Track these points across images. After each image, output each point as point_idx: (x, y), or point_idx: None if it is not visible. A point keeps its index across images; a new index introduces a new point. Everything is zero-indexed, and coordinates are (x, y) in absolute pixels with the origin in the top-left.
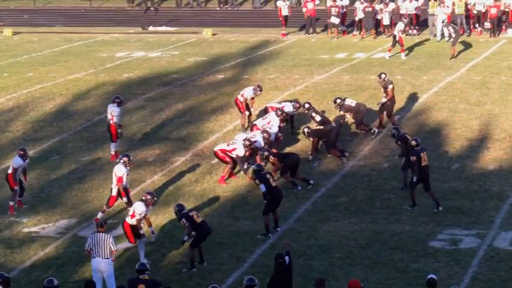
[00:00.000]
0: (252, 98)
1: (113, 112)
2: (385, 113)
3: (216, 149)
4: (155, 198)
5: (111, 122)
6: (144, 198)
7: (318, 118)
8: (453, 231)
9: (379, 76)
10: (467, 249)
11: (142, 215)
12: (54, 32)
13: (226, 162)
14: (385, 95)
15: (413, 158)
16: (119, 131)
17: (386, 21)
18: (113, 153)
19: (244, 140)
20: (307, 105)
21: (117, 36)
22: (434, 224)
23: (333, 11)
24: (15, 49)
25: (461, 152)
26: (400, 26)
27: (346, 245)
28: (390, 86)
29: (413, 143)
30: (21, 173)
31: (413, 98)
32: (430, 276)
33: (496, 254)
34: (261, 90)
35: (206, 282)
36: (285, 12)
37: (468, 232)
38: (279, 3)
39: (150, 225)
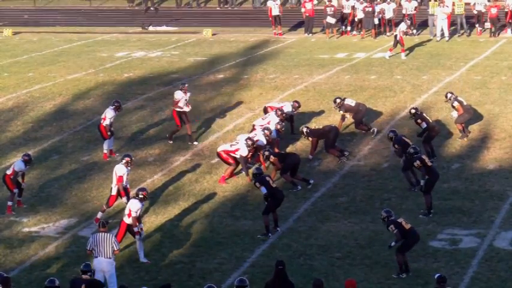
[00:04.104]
0: None
1: (106, 114)
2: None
3: (219, 150)
4: (148, 192)
5: (101, 122)
6: (140, 195)
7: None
8: (453, 231)
9: (446, 96)
10: (467, 249)
11: (139, 212)
12: (54, 32)
13: (230, 164)
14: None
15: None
16: (108, 133)
17: (375, 20)
18: (105, 151)
19: (246, 140)
20: (413, 111)
21: (117, 36)
22: (434, 224)
23: (329, 10)
24: (15, 49)
25: (461, 152)
26: (403, 26)
27: (346, 245)
28: (456, 103)
29: (412, 151)
30: (20, 176)
31: (413, 98)
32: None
33: (496, 254)
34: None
35: (206, 282)
36: (275, 11)
37: (468, 232)
38: (269, 3)
39: (139, 223)
